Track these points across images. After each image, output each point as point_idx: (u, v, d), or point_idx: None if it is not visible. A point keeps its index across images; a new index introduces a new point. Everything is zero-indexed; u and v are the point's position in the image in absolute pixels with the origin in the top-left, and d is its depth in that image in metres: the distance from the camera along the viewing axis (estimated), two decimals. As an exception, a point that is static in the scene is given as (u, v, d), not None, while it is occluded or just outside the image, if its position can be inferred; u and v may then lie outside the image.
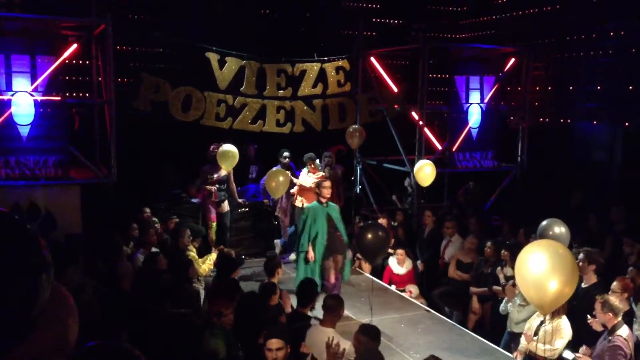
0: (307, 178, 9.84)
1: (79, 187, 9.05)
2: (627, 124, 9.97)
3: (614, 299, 5.31)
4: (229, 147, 9.15)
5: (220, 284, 6.11)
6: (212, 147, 9.36)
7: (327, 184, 8.31)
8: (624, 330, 5.14)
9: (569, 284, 3.75)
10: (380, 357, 4.03)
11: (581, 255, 6.22)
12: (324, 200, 8.20)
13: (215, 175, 9.28)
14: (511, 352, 6.34)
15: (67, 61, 8.63)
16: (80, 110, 10.30)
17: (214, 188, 9.22)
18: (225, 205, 9.54)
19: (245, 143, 9.88)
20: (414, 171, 9.31)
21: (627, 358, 5.00)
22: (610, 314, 5.15)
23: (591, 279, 6.27)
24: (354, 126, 10.52)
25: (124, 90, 9.52)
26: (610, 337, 5.12)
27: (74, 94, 9.33)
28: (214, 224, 9.26)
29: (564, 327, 5.69)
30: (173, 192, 10.24)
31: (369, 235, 6.39)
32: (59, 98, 8.47)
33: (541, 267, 3.74)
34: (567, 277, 3.72)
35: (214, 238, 9.22)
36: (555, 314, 5.77)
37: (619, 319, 5.20)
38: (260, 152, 11.07)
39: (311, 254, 7.98)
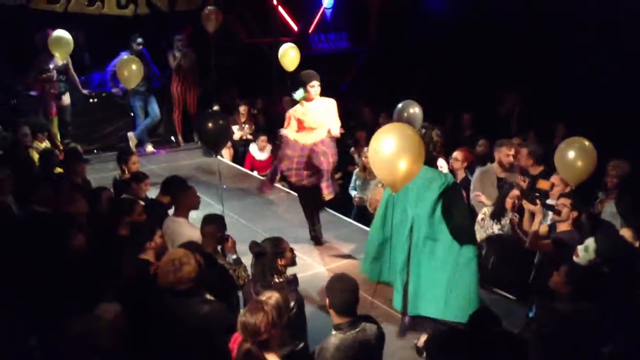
0: (295, 115, 6.20)
1: None
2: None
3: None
4: (61, 34, 8.26)
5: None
6: (47, 31, 8.40)
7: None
8: None
9: (417, 162, 3.96)
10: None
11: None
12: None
13: (51, 65, 8.42)
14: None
15: None
16: None
17: (52, 76, 8.40)
18: (66, 98, 8.81)
19: (75, 28, 8.89)
20: (279, 56, 9.09)
21: None
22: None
23: None
24: (209, 7, 9.86)
25: None
26: None
27: None
28: (55, 119, 8.57)
29: None
30: (7, 84, 9.20)
31: (210, 124, 6.24)
32: None
33: (392, 149, 3.90)
34: (415, 156, 3.93)
35: (57, 133, 8.58)
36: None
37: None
38: (91, 37, 10.09)
39: None
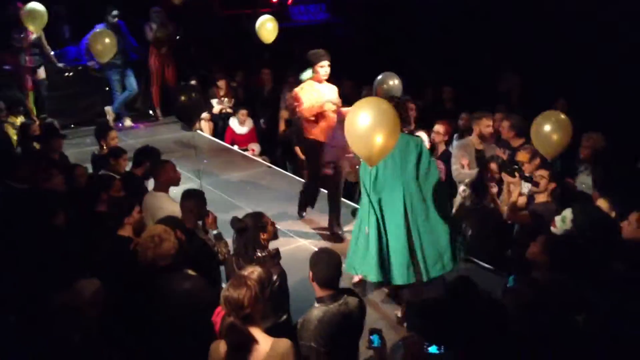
0: (310, 92, 5.70)
1: None
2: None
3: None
4: (35, 6, 8.03)
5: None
6: (17, 4, 8.19)
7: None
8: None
9: (392, 136, 3.96)
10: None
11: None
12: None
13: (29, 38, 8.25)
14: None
15: None
16: None
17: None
18: (41, 72, 8.62)
19: (55, 1, 8.66)
20: (256, 28, 8.95)
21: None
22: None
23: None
24: None
25: None
26: None
27: None
28: (32, 93, 8.41)
29: None
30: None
31: (183, 97, 6.19)
32: None
33: (367, 123, 3.89)
34: (391, 130, 3.92)
35: (32, 108, 8.43)
36: None
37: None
38: (72, 8, 9.84)
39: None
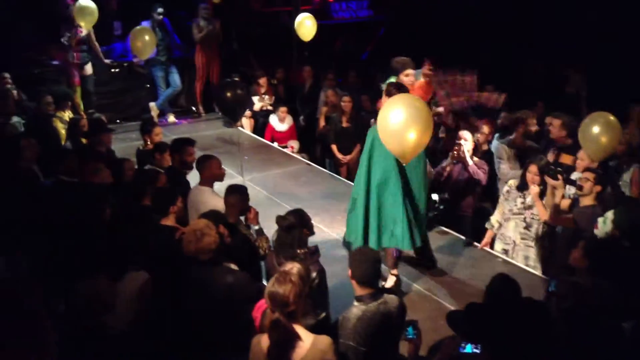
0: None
1: None
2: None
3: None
4: (86, 2, 8.26)
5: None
6: (67, 1, 8.43)
7: None
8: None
9: (426, 133, 3.96)
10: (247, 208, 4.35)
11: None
12: None
13: (79, 34, 8.48)
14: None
15: None
16: None
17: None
18: (89, 68, 8.85)
19: None
20: (295, 26, 9.02)
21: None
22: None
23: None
24: None
25: None
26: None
27: None
28: (79, 88, 8.64)
29: None
30: (29, 53, 9.25)
31: (228, 94, 6.31)
32: None
33: (400, 120, 3.90)
34: (424, 127, 3.92)
35: (80, 103, 8.66)
36: None
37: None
38: (124, 5, 10.08)
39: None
